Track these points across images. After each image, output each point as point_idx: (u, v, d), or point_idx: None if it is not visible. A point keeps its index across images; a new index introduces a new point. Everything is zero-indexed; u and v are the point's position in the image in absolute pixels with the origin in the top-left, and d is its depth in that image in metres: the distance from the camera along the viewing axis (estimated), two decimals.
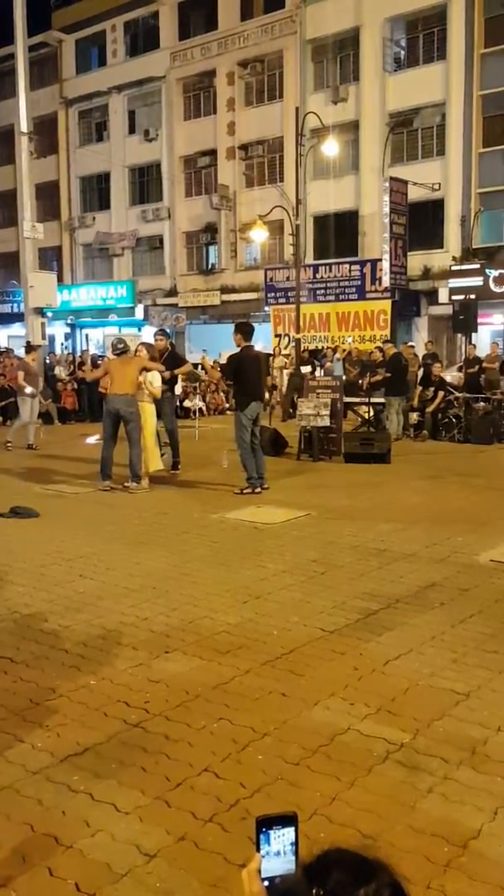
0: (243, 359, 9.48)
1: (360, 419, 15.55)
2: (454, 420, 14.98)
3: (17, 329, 28.25)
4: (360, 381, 17.24)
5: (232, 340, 9.66)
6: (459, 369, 17.46)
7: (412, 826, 2.81)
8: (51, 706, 3.80)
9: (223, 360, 13.84)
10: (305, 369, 18.82)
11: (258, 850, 1.12)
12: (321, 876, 0.99)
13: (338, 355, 20.71)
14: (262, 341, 19.99)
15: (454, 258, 23.17)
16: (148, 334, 26.72)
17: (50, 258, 33.33)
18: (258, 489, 9.41)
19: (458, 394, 15.56)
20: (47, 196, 33.61)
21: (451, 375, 17.60)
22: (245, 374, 9.47)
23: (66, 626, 4.90)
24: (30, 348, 15.13)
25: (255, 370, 9.58)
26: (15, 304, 30.58)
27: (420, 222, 24.11)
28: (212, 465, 11.54)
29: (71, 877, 2.57)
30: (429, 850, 2.66)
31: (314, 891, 0.99)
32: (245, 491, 9.34)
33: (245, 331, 9.52)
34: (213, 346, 24.83)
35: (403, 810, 2.91)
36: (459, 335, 19.94)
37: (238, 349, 9.58)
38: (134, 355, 10.10)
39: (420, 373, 16.93)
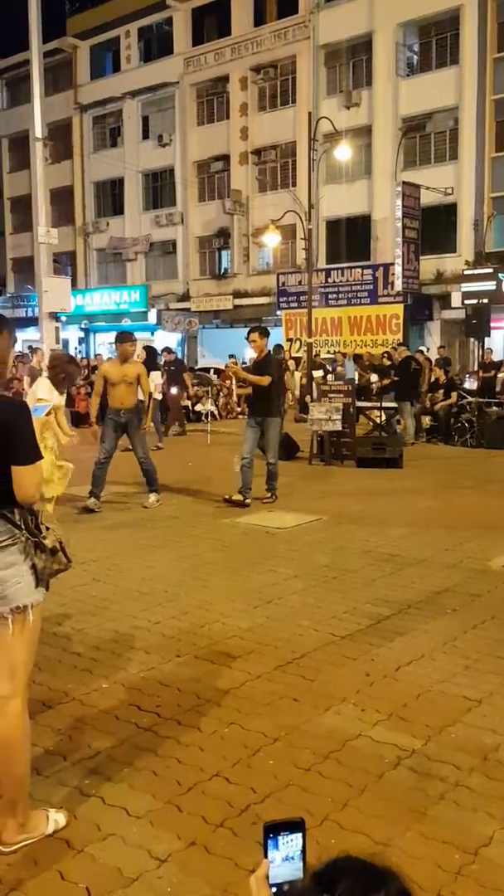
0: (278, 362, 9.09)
1: (372, 424, 15.51)
2: (467, 425, 14.92)
3: (31, 333, 28.39)
4: (370, 386, 17.21)
5: (249, 345, 9.42)
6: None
7: (423, 833, 2.80)
8: (63, 709, 3.82)
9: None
10: (317, 373, 18.78)
11: (266, 856, 1.12)
12: (330, 883, 0.98)
13: (347, 354, 20.71)
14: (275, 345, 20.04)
15: (467, 262, 23.11)
16: (161, 339, 26.82)
17: (64, 263, 33.48)
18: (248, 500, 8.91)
19: (470, 398, 15.50)
20: (62, 201, 33.77)
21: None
22: (279, 377, 9.22)
23: (79, 630, 4.91)
24: None
25: None
26: (30, 309, 30.76)
27: (433, 226, 24.05)
28: (224, 469, 11.52)
29: (82, 881, 2.57)
30: (440, 858, 2.65)
31: None
32: (266, 501, 8.99)
33: (268, 335, 9.32)
34: (224, 350, 24.87)
35: (414, 817, 2.90)
36: (472, 340, 19.92)
37: (262, 353, 9.18)
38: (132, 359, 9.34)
39: (432, 377, 16.93)
